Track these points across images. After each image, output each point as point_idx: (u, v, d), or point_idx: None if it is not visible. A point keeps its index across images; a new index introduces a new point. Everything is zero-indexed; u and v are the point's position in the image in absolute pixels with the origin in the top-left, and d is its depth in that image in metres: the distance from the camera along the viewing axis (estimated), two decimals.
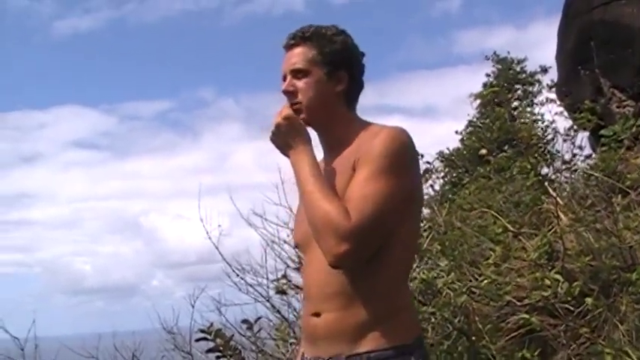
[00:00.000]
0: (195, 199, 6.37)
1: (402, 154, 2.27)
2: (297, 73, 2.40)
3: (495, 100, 13.27)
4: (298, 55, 2.41)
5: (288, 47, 2.45)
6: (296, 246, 2.45)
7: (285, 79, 2.44)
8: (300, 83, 2.40)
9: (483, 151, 11.29)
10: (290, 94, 2.41)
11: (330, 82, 2.41)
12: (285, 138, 2.36)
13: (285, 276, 6.11)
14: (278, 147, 2.41)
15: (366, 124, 2.43)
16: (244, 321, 5.69)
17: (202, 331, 5.31)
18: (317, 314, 2.31)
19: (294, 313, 6.25)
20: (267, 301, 6.34)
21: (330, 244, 2.17)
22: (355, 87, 2.48)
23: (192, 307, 6.17)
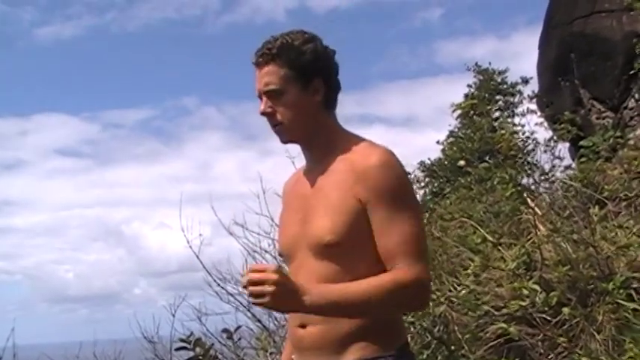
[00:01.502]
0: (178, 207, 6.37)
1: (405, 181, 2.35)
2: (272, 94, 2.35)
3: (476, 110, 13.34)
4: (270, 75, 2.35)
5: (259, 66, 2.38)
6: (280, 255, 2.44)
7: (260, 97, 2.39)
8: (277, 104, 2.35)
9: (462, 162, 11.38)
10: (269, 115, 2.36)
11: (307, 94, 2.36)
12: (288, 298, 2.13)
13: None
14: (285, 309, 2.27)
15: (348, 135, 2.43)
16: (224, 330, 5.71)
17: (182, 340, 5.32)
18: (302, 326, 2.31)
19: (275, 323, 6.26)
20: (249, 310, 6.34)
21: (421, 302, 2.40)
22: (332, 92, 2.43)
23: (173, 316, 6.17)
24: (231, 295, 6.42)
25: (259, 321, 6.34)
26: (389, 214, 2.23)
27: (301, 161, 2.54)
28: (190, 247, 6.31)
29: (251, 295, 2.11)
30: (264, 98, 2.36)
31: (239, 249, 6.46)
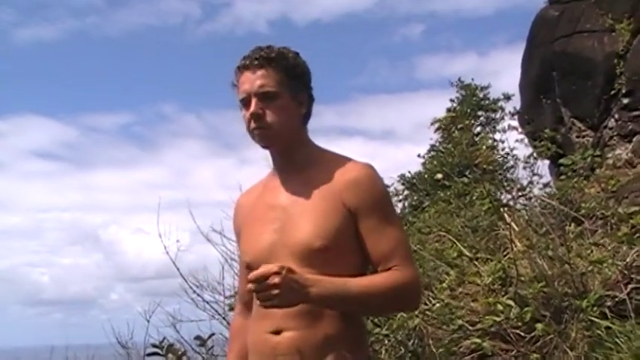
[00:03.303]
0: (155, 213, 6.34)
1: (387, 192, 2.48)
2: (265, 96, 2.36)
3: (457, 125, 13.42)
4: (265, 78, 2.36)
5: (251, 68, 2.39)
6: (247, 266, 2.43)
7: (247, 100, 2.38)
8: (268, 107, 2.36)
9: (439, 176, 11.43)
10: (259, 116, 2.36)
11: (295, 105, 2.40)
12: (295, 293, 2.16)
13: None
14: (293, 303, 2.21)
15: (324, 151, 2.48)
16: (197, 337, 5.68)
17: (154, 345, 5.29)
18: (277, 332, 2.30)
19: None
20: (224, 318, 6.32)
21: (414, 303, 2.50)
22: (311, 109, 2.49)
23: (148, 322, 6.13)
24: (207, 302, 6.40)
25: None
26: (381, 221, 2.32)
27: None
28: (167, 253, 6.28)
29: (260, 300, 2.15)
30: (255, 100, 2.36)
31: (217, 256, 6.44)
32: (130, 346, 6.46)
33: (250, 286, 2.14)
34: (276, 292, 2.11)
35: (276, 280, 2.10)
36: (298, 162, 2.43)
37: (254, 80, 2.37)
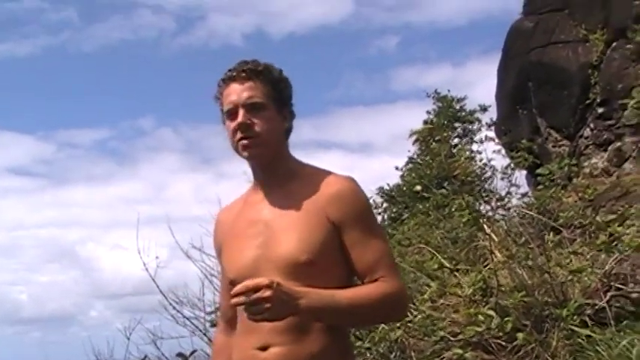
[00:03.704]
0: (133, 229, 6.31)
1: (369, 204, 2.49)
2: (252, 107, 2.36)
3: (434, 137, 13.45)
4: (253, 90, 2.37)
5: (238, 80, 2.39)
6: (231, 283, 2.40)
7: (233, 111, 2.38)
8: (257, 117, 2.36)
9: (418, 188, 11.47)
10: (246, 126, 2.35)
11: (280, 118, 2.41)
12: (285, 306, 2.14)
13: None
14: (283, 316, 2.18)
15: (305, 165, 2.48)
16: (179, 354, 5.64)
17: None
18: (264, 348, 2.28)
19: None
20: (205, 334, 6.29)
21: (402, 313, 2.55)
22: (292, 124, 2.49)
23: (128, 339, 6.09)
24: (187, 318, 6.37)
25: None
26: (365, 233, 2.33)
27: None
28: (147, 269, 6.25)
29: (251, 313, 2.12)
30: (242, 111, 2.35)
31: (196, 272, 6.41)
32: None
33: (239, 299, 2.11)
34: (267, 305, 2.09)
35: (267, 293, 2.08)
36: (281, 176, 2.43)
37: (242, 92, 2.37)
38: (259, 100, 2.36)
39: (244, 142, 2.36)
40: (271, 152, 2.40)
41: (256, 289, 2.09)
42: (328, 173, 2.41)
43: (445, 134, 14.64)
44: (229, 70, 2.42)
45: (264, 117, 2.36)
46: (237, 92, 2.38)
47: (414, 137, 12.96)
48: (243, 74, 2.38)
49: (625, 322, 5.27)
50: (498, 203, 9.42)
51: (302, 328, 2.25)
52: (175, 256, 6.72)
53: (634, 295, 5.60)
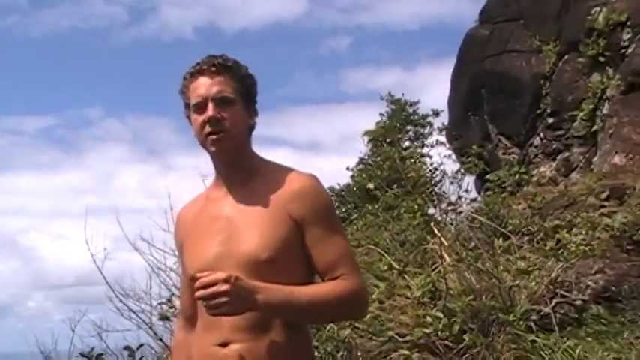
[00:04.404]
0: (78, 219, 6.24)
1: (331, 202, 2.49)
2: (222, 101, 2.34)
3: (386, 139, 13.54)
4: (222, 84, 2.35)
5: (207, 74, 2.37)
6: (191, 279, 2.38)
7: (202, 105, 2.35)
8: (226, 111, 2.33)
9: (371, 185, 11.52)
10: (216, 120, 2.32)
11: (246, 115, 2.40)
12: (243, 301, 2.14)
13: (170, 301, 6.03)
14: (241, 311, 2.18)
15: (268, 162, 2.47)
16: (126, 347, 5.58)
17: (82, 354, 5.18)
18: (224, 344, 2.27)
19: None
20: (150, 328, 6.22)
21: (362, 311, 2.51)
22: (255, 122, 2.47)
23: (73, 331, 5.99)
24: (133, 311, 6.28)
25: (161, 339, 6.23)
26: (326, 231, 2.33)
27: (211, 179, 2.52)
28: (94, 260, 6.15)
29: (209, 307, 2.11)
30: (212, 104, 2.33)
31: (141, 264, 6.33)
32: (53, 356, 6.31)
33: (199, 293, 2.10)
34: (224, 299, 2.08)
35: (224, 287, 2.07)
36: (244, 172, 2.42)
37: (211, 85, 2.35)
38: (229, 95, 2.34)
39: (213, 136, 2.33)
40: (238, 147, 2.39)
41: (214, 283, 2.08)
42: (291, 170, 2.41)
43: (398, 136, 14.74)
44: (197, 64, 2.39)
45: (233, 112, 2.34)
46: (207, 86, 2.35)
47: (367, 138, 13.06)
48: (213, 68, 2.36)
49: (568, 328, 5.39)
50: (449, 207, 9.51)
51: (262, 324, 2.25)
52: (119, 248, 6.63)
53: (578, 302, 5.74)
